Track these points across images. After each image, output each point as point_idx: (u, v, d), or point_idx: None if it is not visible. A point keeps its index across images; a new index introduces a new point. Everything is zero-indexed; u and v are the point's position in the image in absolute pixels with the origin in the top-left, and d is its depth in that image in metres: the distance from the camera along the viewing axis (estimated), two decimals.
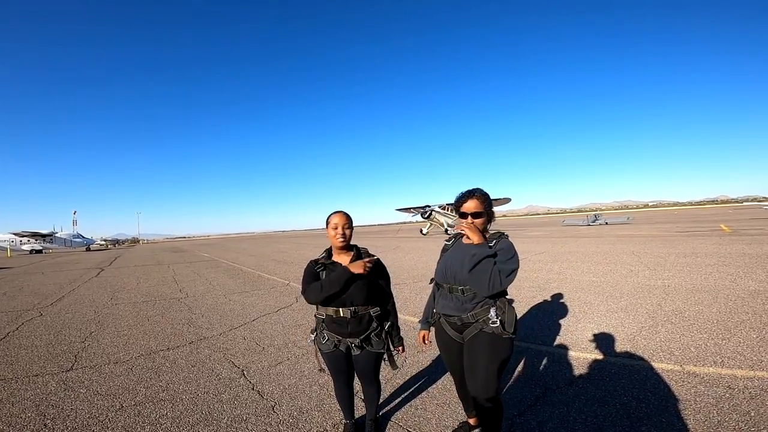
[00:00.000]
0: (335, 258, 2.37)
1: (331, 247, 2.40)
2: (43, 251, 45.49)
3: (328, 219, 2.34)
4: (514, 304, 2.24)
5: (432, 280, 2.43)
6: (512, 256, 2.05)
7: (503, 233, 2.21)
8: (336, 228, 2.28)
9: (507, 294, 2.19)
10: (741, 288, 6.02)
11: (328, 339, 2.33)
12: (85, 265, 19.87)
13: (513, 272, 2.02)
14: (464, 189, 2.23)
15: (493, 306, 2.10)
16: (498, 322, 2.06)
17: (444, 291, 2.25)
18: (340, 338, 2.30)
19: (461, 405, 2.82)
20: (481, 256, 2.00)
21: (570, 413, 2.67)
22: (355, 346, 2.29)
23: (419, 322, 2.55)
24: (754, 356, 3.43)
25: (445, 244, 2.41)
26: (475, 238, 2.05)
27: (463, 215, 2.16)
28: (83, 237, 53.59)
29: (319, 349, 2.41)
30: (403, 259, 13.72)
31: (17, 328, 5.92)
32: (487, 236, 2.16)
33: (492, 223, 2.27)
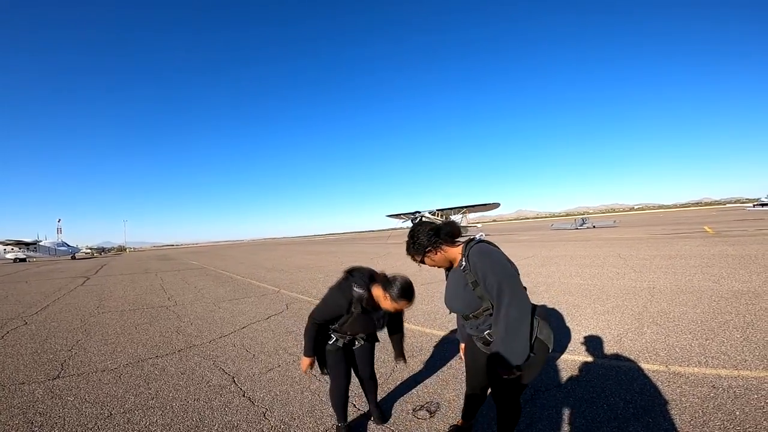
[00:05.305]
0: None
1: (370, 279, 2.30)
2: (27, 260, 44.37)
3: (395, 293, 2.15)
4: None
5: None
6: (488, 270, 1.84)
7: (474, 238, 2.02)
8: (396, 308, 2.21)
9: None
10: (725, 289, 6.16)
11: (335, 339, 2.41)
12: (70, 273, 19.47)
13: (499, 285, 1.81)
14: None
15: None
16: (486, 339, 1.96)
17: (460, 318, 2.15)
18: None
19: (456, 410, 2.84)
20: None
21: (559, 415, 2.71)
22: (361, 338, 2.48)
23: (458, 336, 2.41)
24: (738, 356, 3.51)
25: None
26: None
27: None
28: (68, 245, 52.48)
29: (327, 350, 2.44)
30: (394, 264, 13.74)
31: (2, 337, 5.78)
32: (459, 245, 2.03)
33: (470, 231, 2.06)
